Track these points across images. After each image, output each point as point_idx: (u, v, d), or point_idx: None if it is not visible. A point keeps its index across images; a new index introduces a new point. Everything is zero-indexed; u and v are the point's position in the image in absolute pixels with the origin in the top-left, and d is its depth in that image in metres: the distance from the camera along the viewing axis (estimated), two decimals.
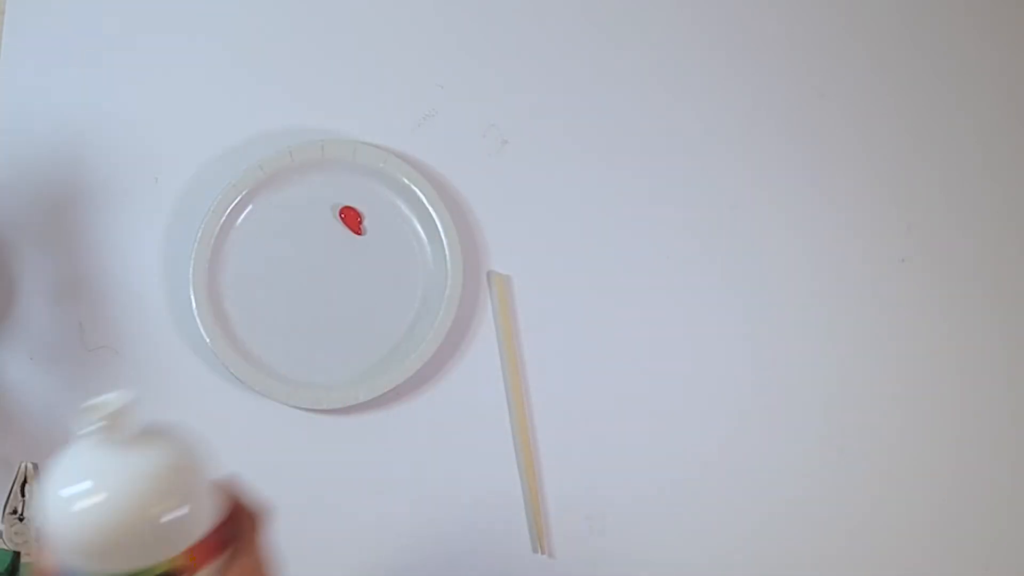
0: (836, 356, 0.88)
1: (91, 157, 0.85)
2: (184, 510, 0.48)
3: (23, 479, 0.80)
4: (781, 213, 0.89)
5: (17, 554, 0.79)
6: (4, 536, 0.79)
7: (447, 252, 0.84)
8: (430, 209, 0.84)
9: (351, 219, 0.85)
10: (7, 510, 0.79)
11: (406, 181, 0.84)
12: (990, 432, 0.88)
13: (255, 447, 0.82)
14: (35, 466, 0.80)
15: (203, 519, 0.49)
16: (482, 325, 0.86)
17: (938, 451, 0.88)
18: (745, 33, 0.91)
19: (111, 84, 0.87)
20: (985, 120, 0.92)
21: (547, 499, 0.84)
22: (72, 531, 0.47)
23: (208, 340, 0.82)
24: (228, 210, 0.83)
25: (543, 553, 0.84)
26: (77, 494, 0.47)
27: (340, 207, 0.85)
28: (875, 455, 0.87)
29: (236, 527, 0.52)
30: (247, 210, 0.84)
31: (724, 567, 0.86)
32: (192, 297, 0.82)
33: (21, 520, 0.79)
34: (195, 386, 0.84)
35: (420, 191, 0.84)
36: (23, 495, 0.80)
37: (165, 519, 0.47)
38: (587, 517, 0.85)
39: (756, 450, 0.87)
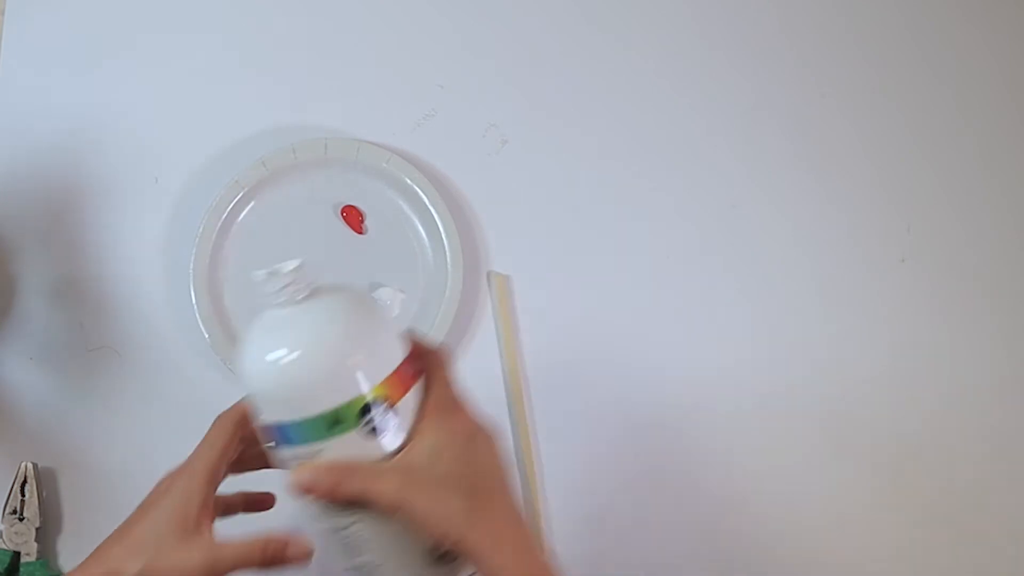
0: (835, 356, 0.88)
1: (91, 157, 0.85)
2: (371, 348, 0.53)
3: (23, 479, 0.80)
4: (781, 212, 0.89)
5: (17, 554, 0.79)
6: (4, 536, 0.79)
7: (447, 252, 0.84)
8: (431, 209, 0.84)
9: (353, 218, 0.85)
10: (7, 510, 0.79)
11: (408, 181, 0.84)
12: (990, 432, 0.88)
13: None
14: (35, 466, 0.80)
15: (391, 356, 0.54)
16: (481, 324, 0.86)
17: (937, 451, 0.88)
18: (745, 33, 0.91)
19: (111, 83, 0.86)
20: (985, 120, 0.92)
21: (547, 499, 0.84)
22: (279, 388, 0.52)
23: (207, 336, 0.81)
24: (230, 207, 0.83)
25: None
26: (279, 356, 0.51)
27: (342, 206, 0.85)
28: (875, 455, 0.87)
29: (423, 363, 0.56)
30: (249, 207, 0.84)
31: (724, 567, 0.85)
32: (192, 294, 0.82)
33: (21, 520, 0.79)
34: (196, 384, 0.83)
35: (422, 191, 0.84)
36: (23, 495, 0.80)
37: (355, 359, 0.52)
38: (587, 517, 0.85)
39: (756, 450, 0.86)
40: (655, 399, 0.87)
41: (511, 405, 0.85)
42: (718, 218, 0.89)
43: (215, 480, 0.58)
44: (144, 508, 0.57)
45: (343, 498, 0.52)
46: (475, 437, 0.55)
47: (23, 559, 0.79)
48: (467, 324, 0.86)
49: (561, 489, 0.85)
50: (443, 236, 0.84)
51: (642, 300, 0.88)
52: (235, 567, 0.55)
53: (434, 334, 0.83)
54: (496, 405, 0.85)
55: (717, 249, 0.89)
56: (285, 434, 0.53)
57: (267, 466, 0.62)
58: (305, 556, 0.57)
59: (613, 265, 0.88)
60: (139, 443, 0.82)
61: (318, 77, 0.87)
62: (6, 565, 0.78)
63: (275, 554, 0.56)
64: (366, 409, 0.52)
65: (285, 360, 0.51)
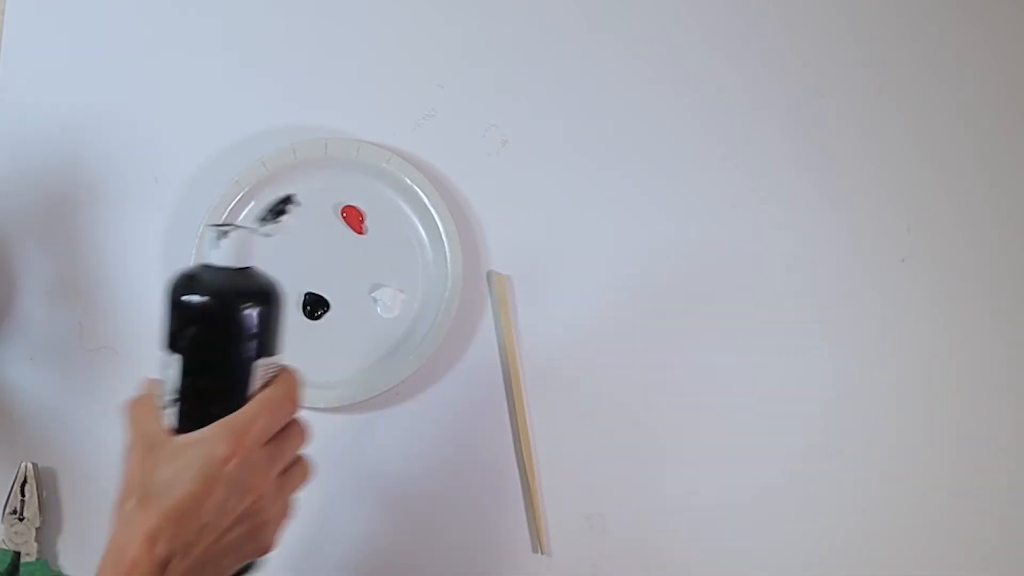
0: (835, 356, 0.88)
1: (91, 157, 0.85)
2: None
3: (23, 479, 0.80)
4: (781, 213, 0.89)
5: (17, 554, 0.79)
6: (4, 536, 0.79)
7: (447, 252, 0.84)
8: (432, 210, 0.84)
9: (353, 218, 0.85)
10: (7, 510, 0.79)
11: (408, 181, 0.84)
12: (990, 432, 0.89)
13: None
14: (35, 466, 0.80)
15: None
16: (482, 324, 0.86)
17: (938, 451, 0.88)
18: (745, 33, 0.91)
19: (112, 83, 0.86)
20: (985, 120, 0.92)
21: (547, 499, 0.84)
22: None
23: None
24: (230, 207, 0.83)
25: (543, 553, 0.84)
26: None
27: (342, 206, 0.85)
28: (875, 456, 0.88)
29: None
30: (249, 207, 0.84)
31: (723, 566, 0.86)
32: None
33: (21, 520, 0.79)
34: None
35: (422, 191, 0.84)
36: (23, 495, 0.79)
37: None
38: (587, 517, 0.85)
39: (755, 450, 0.87)
40: (655, 398, 0.87)
41: (511, 404, 0.85)
42: (717, 218, 0.89)
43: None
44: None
45: None
46: None
47: (23, 559, 0.79)
48: (467, 324, 0.86)
49: (561, 489, 0.85)
50: (443, 236, 0.84)
51: (642, 299, 0.88)
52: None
53: (434, 334, 0.83)
54: (495, 404, 0.85)
55: (716, 249, 0.89)
56: None
57: None
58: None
59: (613, 264, 0.88)
60: None
61: (318, 77, 0.87)
62: (6, 565, 0.78)
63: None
64: None
65: None
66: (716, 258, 0.89)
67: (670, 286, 0.88)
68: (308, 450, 0.79)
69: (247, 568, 0.61)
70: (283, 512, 0.60)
